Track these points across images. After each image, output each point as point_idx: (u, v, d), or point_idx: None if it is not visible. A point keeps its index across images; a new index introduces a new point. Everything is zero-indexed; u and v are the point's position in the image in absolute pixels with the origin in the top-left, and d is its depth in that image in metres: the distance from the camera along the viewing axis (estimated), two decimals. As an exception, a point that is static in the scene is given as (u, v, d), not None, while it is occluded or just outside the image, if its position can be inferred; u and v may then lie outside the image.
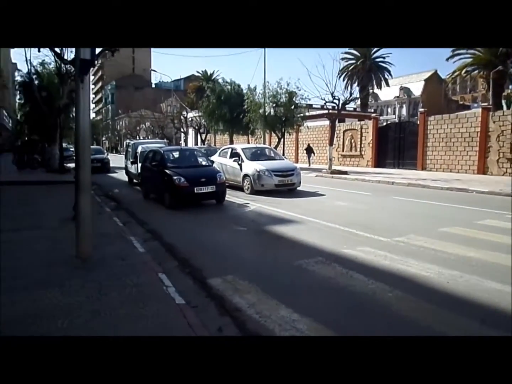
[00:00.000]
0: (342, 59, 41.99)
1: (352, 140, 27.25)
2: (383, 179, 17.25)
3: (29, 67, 21.40)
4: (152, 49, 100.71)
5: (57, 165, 20.20)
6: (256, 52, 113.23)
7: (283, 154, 25.27)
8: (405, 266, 5.36)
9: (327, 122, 24.96)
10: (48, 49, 12.51)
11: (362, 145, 26.63)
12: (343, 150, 27.91)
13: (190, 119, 44.24)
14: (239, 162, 13.91)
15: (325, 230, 7.74)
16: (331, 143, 21.84)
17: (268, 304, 4.21)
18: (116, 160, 32.97)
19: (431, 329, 3.62)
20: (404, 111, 54.50)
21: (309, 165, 27.33)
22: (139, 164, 14.23)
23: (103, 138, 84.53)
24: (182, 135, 49.57)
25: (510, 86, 33.72)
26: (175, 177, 10.33)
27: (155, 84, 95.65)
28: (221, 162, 14.89)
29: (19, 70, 30.45)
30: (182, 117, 46.05)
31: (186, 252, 6.23)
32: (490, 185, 14.49)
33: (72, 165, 6.02)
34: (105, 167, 23.75)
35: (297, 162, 30.69)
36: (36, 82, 22.40)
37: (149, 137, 53.05)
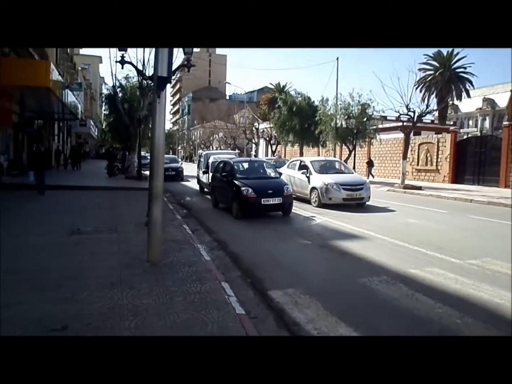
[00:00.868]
0: (420, 69, 40.47)
1: (428, 154, 26.10)
2: (460, 196, 16.34)
3: (114, 81, 23.22)
4: (228, 62, 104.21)
5: (136, 172, 21.49)
6: (329, 65, 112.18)
7: (354, 167, 24.84)
8: (477, 292, 5.05)
9: (401, 135, 24.14)
10: (131, 65, 13.54)
11: (439, 160, 25.40)
12: (417, 164, 26.81)
13: (261, 130, 45.08)
14: (307, 175, 13.90)
15: (393, 248, 7.50)
16: (404, 156, 21.10)
17: (328, 321, 4.17)
18: (189, 169, 34.25)
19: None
20: (487, 123, 51.25)
21: (369, 178, 26.60)
22: (210, 174, 14.72)
23: (179, 147, 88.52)
24: (253, 145, 50.55)
25: None
26: (243, 188, 10.58)
27: (229, 96, 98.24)
28: (289, 174, 14.98)
29: (106, 84, 33.20)
30: (253, 128, 47.18)
31: (250, 262, 6.35)
32: None
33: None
34: (179, 175, 24.80)
35: (367, 176, 29.96)
36: (120, 95, 24.27)
37: (222, 147, 54.52)
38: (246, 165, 12.83)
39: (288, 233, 9.04)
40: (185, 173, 26.52)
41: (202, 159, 18.93)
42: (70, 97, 21.90)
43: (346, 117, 24.90)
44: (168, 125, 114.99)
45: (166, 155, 26.29)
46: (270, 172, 12.40)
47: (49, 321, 3.75)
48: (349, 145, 25.78)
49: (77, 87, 33.23)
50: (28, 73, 13.31)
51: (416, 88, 21.13)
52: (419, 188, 19.60)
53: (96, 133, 51.85)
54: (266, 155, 44.45)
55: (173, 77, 7.47)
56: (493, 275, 5.83)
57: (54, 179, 17.15)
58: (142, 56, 18.76)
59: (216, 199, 13.03)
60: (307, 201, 13.73)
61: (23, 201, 12.00)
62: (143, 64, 19.47)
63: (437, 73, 41.51)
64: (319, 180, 13.28)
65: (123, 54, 10.40)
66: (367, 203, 13.32)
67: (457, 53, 41.99)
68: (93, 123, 46.86)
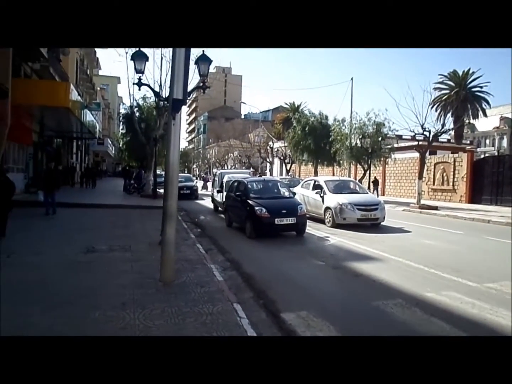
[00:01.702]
0: (435, 89, 40.39)
1: (444, 174, 25.82)
2: (478, 216, 16.07)
3: (132, 101, 23.71)
4: (243, 83, 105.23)
5: (151, 190, 21.73)
6: (343, 85, 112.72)
7: (368, 187, 24.70)
8: (495, 317, 4.93)
9: (416, 154, 23.98)
10: (148, 87, 13.87)
11: (455, 179, 25.10)
12: (433, 184, 26.52)
13: (276, 149, 45.39)
14: (321, 195, 13.86)
15: (408, 270, 7.38)
16: (420, 176, 20.94)
17: (340, 345, 4.10)
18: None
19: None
20: (504, 143, 50.65)
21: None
22: (225, 193, 14.78)
23: (194, 166, 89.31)
24: (268, 164, 50.81)
25: None
26: (257, 208, 10.60)
27: (244, 115, 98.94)
28: (303, 193, 14.96)
29: (123, 104, 33.92)
30: (268, 147, 47.52)
31: (263, 283, 6.32)
32: None
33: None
34: (193, 194, 24.90)
35: (383, 195, 29.75)
36: (137, 114, 24.85)
37: (237, 166, 54.79)
38: (260, 185, 12.87)
39: (301, 253, 8.98)
40: (199, 191, 26.70)
41: (216, 178, 19.11)
42: (89, 116, 22.54)
43: (360, 136, 24.89)
44: (184, 144, 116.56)
45: (180, 174, 26.62)
46: (284, 192, 12.42)
47: (62, 341, 3.77)
48: (364, 164, 25.70)
49: (95, 107, 34.16)
50: (48, 93, 13.78)
51: (431, 107, 21.02)
52: (435, 208, 19.36)
53: (113, 152, 52.78)
54: (281, 174, 44.64)
55: (188, 98, 7.58)
56: (512, 299, 5.68)
57: (68, 197, 17.43)
58: (159, 77, 19.28)
59: (230, 218, 13.05)
60: (321, 221, 13.66)
61: (37, 218, 12.17)
62: (160, 85, 19.86)
63: (452, 92, 41.33)
64: (333, 200, 13.23)
65: (140, 77, 10.61)
66: (382, 223, 13.18)
67: (473, 73, 41.85)
68: (110, 142, 47.76)
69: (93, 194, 22.98)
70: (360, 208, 12.73)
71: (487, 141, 53.82)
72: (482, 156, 25.97)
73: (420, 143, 23.69)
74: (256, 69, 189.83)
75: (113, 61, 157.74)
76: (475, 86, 41.78)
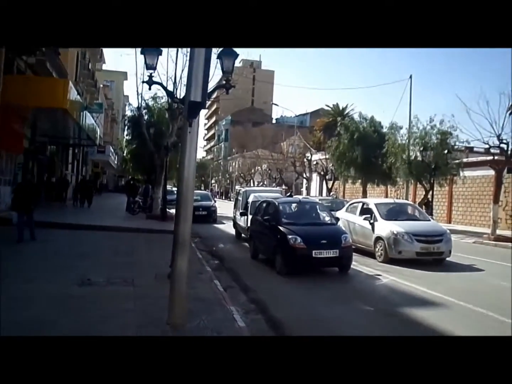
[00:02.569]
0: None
1: (528, 197, 25.18)
2: None
3: (140, 102, 23.97)
4: (275, 80, 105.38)
5: (159, 210, 21.96)
6: (401, 84, 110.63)
7: (431, 213, 24.21)
8: None
9: (491, 172, 23.48)
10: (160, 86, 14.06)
11: (543, 205, 24.42)
12: (514, 210, 25.87)
13: (315, 162, 45.20)
14: (371, 221, 13.69)
15: (477, 320, 7.23)
16: (496, 200, 20.46)
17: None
18: (224, 207, 34.73)
19: None
20: None
21: None
22: (249, 216, 14.84)
23: (212, 181, 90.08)
24: (304, 181, 50.67)
25: None
26: (290, 236, 10.54)
27: (276, 119, 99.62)
28: (348, 219, 14.88)
29: (130, 104, 34.51)
30: (305, 160, 47.37)
31: (294, 333, 6.25)
32: None
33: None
34: (211, 216, 24.97)
35: (449, 222, 29.17)
36: (145, 117, 25.24)
37: (265, 182, 54.90)
38: (294, 207, 12.86)
39: (345, 295, 8.88)
40: (218, 213, 26.79)
41: (240, 198, 19.25)
42: (89, 119, 23.12)
43: (421, 148, 24.46)
44: (201, 154, 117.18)
45: (196, 191, 26.35)
46: (325, 217, 12.35)
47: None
48: (426, 183, 25.22)
49: (97, 108, 35.21)
50: (44, 92, 14.26)
51: (510, 114, 20.52)
52: (517, 241, 18.83)
53: (115, 162, 53.86)
54: (320, 194, 44.29)
55: (208, 100, 7.65)
56: None
57: (57, 216, 17.80)
58: (174, 74, 19.17)
59: (255, 248, 13.05)
60: (370, 254, 13.51)
61: (24, 240, 12.40)
62: (174, 83, 20.01)
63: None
64: (386, 228, 13.06)
65: (151, 73, 10.77)
66: (447, 259, 12.91)
67: None
68: (112, 150, 48.73)
69: (91, 213, 23.48)
70: (420, 239, 12.49)
71: None
72: None
73: (496, 157, 23.11)
74: (291, 64, 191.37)
75: (120, 54, 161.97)
76: None
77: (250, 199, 16.56)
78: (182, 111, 17.00)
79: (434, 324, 6.83)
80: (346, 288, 9.52)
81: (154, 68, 10.90)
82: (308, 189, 49.57)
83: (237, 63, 14.72)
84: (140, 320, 6.03)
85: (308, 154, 47.55)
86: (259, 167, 62.43)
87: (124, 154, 49.09)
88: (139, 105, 24.25)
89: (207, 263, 11.31)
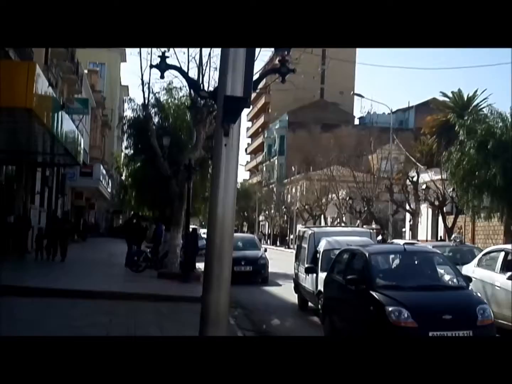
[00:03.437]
0: None
1: None
2: None
3: (147, 96, 17.29)
4: (358, 59, 71.64)
5: (178, 264, 16.54)
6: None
7: None
8: None
9: None
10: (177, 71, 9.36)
11: None
12: None
13: (424, 185, 30.70)
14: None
15: None
16: None
17: None
18: (280, 259, 27.27)
19: None
20: None
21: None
22: (321, 275, 11.11)
23: (261, 218, 66.12)
24: (408, 216, 35.41)
25: None
26: (390, 308, 7.41)
27: (360, 118, 67.00)
28: (483, 279, 10.74)
29: (131, 100, 23.48)
30: (408, 182, 32.72)
31: None
32: None
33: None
34: (259, 273, 19.00)
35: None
36: (155, 120, 19.29)
37: (344, 219, 41.37)
38: (395, 260, 9.57)
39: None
40: (270, 268, 19.90)
41: (305, 244, 13.94)
42: (67, 124, 16.27)
43: None
44: (242, 175, 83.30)
45: (236, 234, 21.89)
46: (446, 275, 9.13)
47: None
48: None
49: (80, 106, 26.82)
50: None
51: None
52: None
53: (109, 190, 39.87)
54: (435, 236, 31.97)
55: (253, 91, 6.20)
56: None
57: (14, 276, 12.60)
58: (199, 55, 13.65)
59: (333, 326, 9.30)
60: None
61: None
62: (200, 67, 14.66)
63: None
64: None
65: (164, 52, 6.80)
66: None
67: None
68: (104, 171, 36.12)
69: (70, 269, 17.25)
70: None
71: None
72: None
73: None
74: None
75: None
76: None
77: (322, 247, 12.35)
78: (213, 111, 12.96)
79: None
80: None
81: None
82: (413, 229, 33.52)
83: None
84: None
85: (413, 173, 32.29)
86: (334, 195, 43.71)
87: (123, 178, 36.03)
88: (145, 102, 17.17)
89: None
